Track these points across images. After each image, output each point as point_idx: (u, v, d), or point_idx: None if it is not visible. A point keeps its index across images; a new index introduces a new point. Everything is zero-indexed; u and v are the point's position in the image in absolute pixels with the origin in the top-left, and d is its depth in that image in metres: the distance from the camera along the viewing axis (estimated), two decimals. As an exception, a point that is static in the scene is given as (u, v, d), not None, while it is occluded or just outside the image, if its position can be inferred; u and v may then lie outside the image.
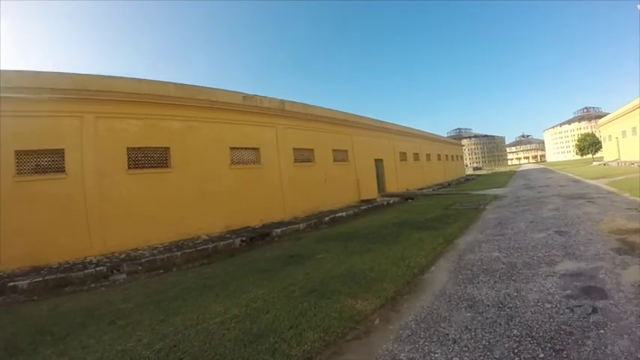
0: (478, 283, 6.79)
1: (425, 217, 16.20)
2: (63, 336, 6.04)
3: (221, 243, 14.31)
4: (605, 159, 65.01)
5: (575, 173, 39.93)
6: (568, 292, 5.88)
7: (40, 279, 10.62)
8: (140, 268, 11.85)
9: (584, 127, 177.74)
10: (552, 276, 6.68)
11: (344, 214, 20.94)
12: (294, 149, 22.23)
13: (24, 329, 6.65)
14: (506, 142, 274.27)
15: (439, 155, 52.05)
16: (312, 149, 23.71)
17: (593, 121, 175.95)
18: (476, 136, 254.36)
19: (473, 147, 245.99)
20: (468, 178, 60.14)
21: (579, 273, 6.69)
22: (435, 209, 19.00)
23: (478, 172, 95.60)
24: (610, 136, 61.67)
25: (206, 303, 6.97)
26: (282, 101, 21.76)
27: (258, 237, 15.54)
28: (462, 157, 76.11)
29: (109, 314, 6.96)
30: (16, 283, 10.32)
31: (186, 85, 17.24)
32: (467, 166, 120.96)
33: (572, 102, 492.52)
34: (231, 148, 18.60)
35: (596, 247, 8.32)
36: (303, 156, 23.02)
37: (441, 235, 11.45)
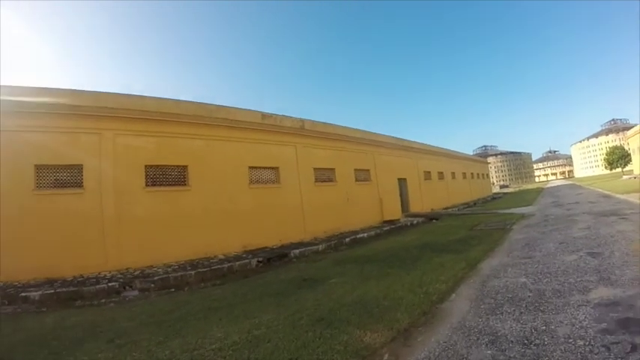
0: (502, 314, 6.13)
1: (448, 239, 15.50)
2: (59, 351, 5.93)
3: (237, 263, 14.16)
4: (635, 172, 63.15)
5: (604, 188, 38.37)
6: (603, 325, 5.18)
7: (52, 291, 10.65)
8: (152, 285, 11.76)
9: (612, 140, 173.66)
10: (585, 306, 5.97)
11: (365, 235, 20.39)
12: (315, 169, 22.01)
13: (24, 341, 6.63)
14: (533, 159, 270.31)
15: (464, 173, 51.04)
16: (333, 168, 23.39)
17: (621, 133, 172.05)
18: (502, 154, 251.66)
19: (499, 164, 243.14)
20: (495, 197, 58.73)
21: (615, 302, 5.96)
22: (460, 230, 18.21)
23: (505, 190, 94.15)
24: (639, 147, 59.25)
25: (208, 327, 6.71)
26: (302, 120, 21.60)
27: (275, 258, 15.32)
28: (488, 175, 74.79)
29: (110, 332, 6.89)
30: (28, 293, 10.37)
31: (205, 103, 17.53)
32: (493, 184, 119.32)
33: (599, 115, 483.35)
34: (250, 168, 18.61)
35: (632, 270, 7.54)
36: (324, 175, 22.67)
37: (464, 259, 10.76)
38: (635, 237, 11.01)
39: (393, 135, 32.31)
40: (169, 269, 13.39)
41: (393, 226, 23.70)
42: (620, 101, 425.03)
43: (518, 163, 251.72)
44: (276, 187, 19.60)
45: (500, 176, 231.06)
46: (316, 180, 21.89)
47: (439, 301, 7.20)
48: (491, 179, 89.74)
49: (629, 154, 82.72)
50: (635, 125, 73.62)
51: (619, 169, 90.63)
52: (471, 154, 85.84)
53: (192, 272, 12.67)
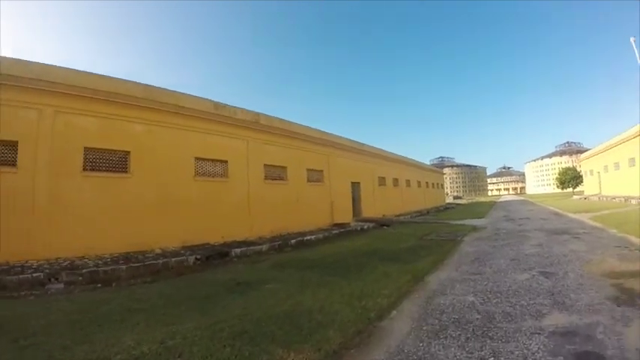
0: (446, 338, 5.44)
1: (397, 247, 14.96)
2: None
3: (173, 259, 13.13)
4: (586, 193, 65.45)
5: (556, 206, 39.45)
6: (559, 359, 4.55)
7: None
8: (80, 279, 10.77)
9: (565, 162, 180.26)
10: (539, 334, 5.37)
11: (312, 237, 19.70)
12: (266, 165, 21.16)
13: None
14: (488, 173, 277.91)
15: (419, 182, 51.31)
16: (284, 167, 22.64)
17: (574, 155, 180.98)
18: (458, 166, 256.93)
19: (454, 176, 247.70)
20: (448, 207, 59.30)
21: (572, 331, 5.40)
22: (410, 239, 17.74)
23: (458, 201, 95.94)
24: (592, 170, 62.16)
25: (121, 332, 5.99)
26: (257, 114, 20.76)
27: (215, 256, 14.41)
28: (442, 185, 75.84)
29: (16, 331, 6.15)
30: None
31: (156, 87, 16.25)
32: (447, 194, 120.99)
33: (554, 137, 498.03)
34: (196, 159, 17.52)
35: (589, 294, 7.09)
36: (275, 173, 21.88)
37: (411, 271, 10.11)
38: (588, 258, 10.75)
39: (350, 138, 31.83)
40: (100, 262, 12.20)
41: (342, 230, 23.04)
42: (575, 125, 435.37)
43: (473, 176, 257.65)
44: (224, 181, 18.57)
45: (455, 187, 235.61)
46: (266, 177, 21.14)
47: (378, 318, 6.47)
48: (445, 190, 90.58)
49: (580, 176, 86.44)
50: (588, 149, 76.85)
51: (570, 189, 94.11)
52: (428, 163, 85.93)
53: (124, 267, 11.64)
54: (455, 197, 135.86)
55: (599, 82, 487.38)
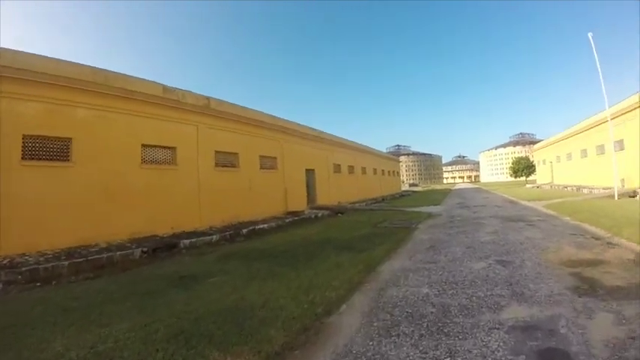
0: (398, 336, 5.00)
1: (350, 235, 14.60)
2: None
3: (118, 253, 12.32)
4: (538, 181, 67.63)
5: (510, 194, 40.16)
6: (521, 359, 4.20)
7: None
8: (20, 277, 9.97)
9: (519, 152, 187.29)
10: (498, 329, 5.02)
11: (265, 226, 19.21)
12: (217, 152, 20.24)
13: None
14: (443, 162, 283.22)
15: (375, 169, 51.12)
16: (236, 153, 21.73)
17: (527, 145, 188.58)
18: (414, 154, 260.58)
19: (410, 164, 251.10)
20: (404, 194, 60.02)
21: (533, 325, 5.08)
22: (364, 226, 17.47)
23: (414, 189, 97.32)
24: (544, 160, 64.19)
25: (53, 335, 5.50)
26: (208, 98, 19.79)
27: (163, 248, 13.65)
28: (398, 172, 76.10)
29: None
30: None
31: (102, 69, 14.90)
32: (403, 182, 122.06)
33: (508, 128, 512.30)
34: (143, 145, 16.39)
35: (548, 284, 6.86)
36: (226, 160, 21.00)
37: (363, 260, 9.74)
38: (545, 245, 10.68)
39: (304, 124, 31.03)
40: (42, 259, 11.29)
41: (296, 218, 22.54)
42: (529, 117, 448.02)
43: (429, 164, 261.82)
44: (172, 168, 17.57)
45: (411, 175, 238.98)
46: (217, 164, 20.27)
47: (326, 313, 6.02)
48: (402, 177, 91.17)
49: (533, 165, 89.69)
50: (541, 140, 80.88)
51: (523, 178, 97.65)
52: (385, 151, 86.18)
53: (66, 263, 10.84)
54: (411, 185, 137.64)
55: (555, 76, 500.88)
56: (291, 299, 6.58)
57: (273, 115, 26.19)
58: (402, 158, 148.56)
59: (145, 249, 12.99)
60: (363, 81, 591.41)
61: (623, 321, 5.03)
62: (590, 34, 25.94)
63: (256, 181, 22.93)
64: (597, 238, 11.36)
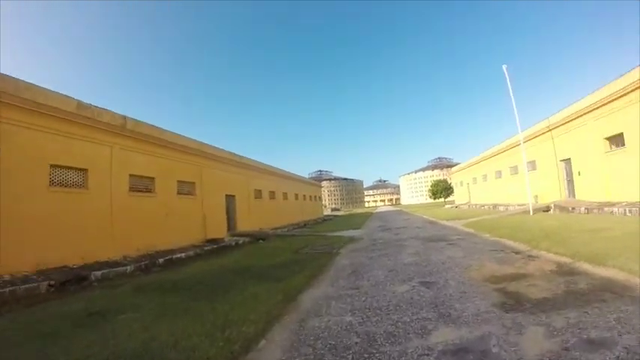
0: (320, 373, 4.45)
1: (270, 263, 13.98)
2: None
3: (22, 287, 11.21)
4: (457, 202, 70.59)
5: (429, 215, 41.22)
6: None
7: None
8: None
9: (437, 175, 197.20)
10: (428, 355, 4.67)
11: (183, 255, 18.57)
12: (132, 175, 19.07)
13: None
14: (365, 186, 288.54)
15: (297, 195, 51.01)
16: (153, 178, 20.66)
17: (444, 169, 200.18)
18: (336, 179, 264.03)
19: (332, 189, 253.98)
20: (326, 219, 60.52)
21: (464, 347, 4.77)
22: (284, 253, 16.83)
23: (336, 213, 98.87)
24: (462, 182, 67.48)
25: None
26: (124, 117, 18.63)
27: (73, 280, 12.59)
28: (320, 197, 76.51)
29: None
30: None
31: (6, 76, 13.44)
32: (325, 206, 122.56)
33: (427, 153, 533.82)
34: (52, 166, 14.84)
35: (474, 302, 6.69)
36: (142, 185, 19.87)
37: (283, 289, 9.10)
38: (467, 263, 10.67)
39: (224, 149, 30.31)
40: None
41: (215, 246, 21.80)
42: (447, 141, 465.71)
43: (350, 188, 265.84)
44: (84, 192, 16.02)
45: (333, 200, 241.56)
46: (132, 189, 19.17)
47: (243, 350, 5.40)
48: (324, 202, 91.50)
49: (451, 187, 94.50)
50: (457, 164, 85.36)
51: (442, 199, 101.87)
52: (307, 177, 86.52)
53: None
54: (333, 209, 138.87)
55: (472, 105, 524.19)
56: (205, 337, 5.89)
57: (193, 138, 25.34)
58: (324, 183, 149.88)
59: (52, 282, 11.93)
60: (287, 106, 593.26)
61: (555, 332, 4.92)
62: (504, 67, 27.69)
63: (174, 207, 21.92)
64: (517, 252, 11.60)
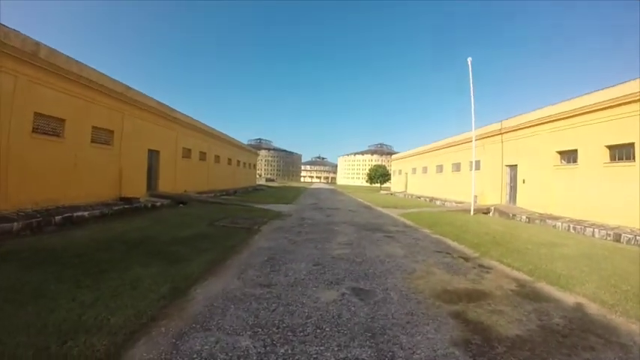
0: None
1: (178, 235, 11.86)
2: None
3: None
4: (393, 189, 69.87)
5: (365, 199, 39.87)
6: None
7: None
8: None
9: (376, 160, 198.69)
10: None
11: (86, 214, 15.93)
12: (37, 114, 15.75)
13: None
14: (303, 160, 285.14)
15: (230, 159, 48.12)
16: (63, 119, 17.24)
17: (384, 155, 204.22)
18: (275, 149, 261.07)
19: (270, 159, 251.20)
20: (257, 189, 58.16)
21: None
22: (199, 223, 14.77)
23: (270, 184, 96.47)
24: (400, 170, 66.85)
25: None
26: (37, 43, 15.51)
27: None
28: (255, 165, 73.56)
29: None
30: None
31: None
32: (260, 176, 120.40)
33: (368, 138, 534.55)
34: None
35: (427, 336, 4.82)
36: (49, 126, 16.58)
37: (174, 276, 7.09)
38: (410, 266, 8.82)
39: (153, 97, 27.00)
40: None
41: (127, 206, 19.24)
42: (390, 129, 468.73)
43: (288, 161, 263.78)
44: None
45: (270, 170, 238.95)
46: (35, 130, 15.67)
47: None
48: (259, 171, 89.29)
49: (389, 174, 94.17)
50: (397, 152, 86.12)
51: (377, 185, 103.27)
52: (246, 143, 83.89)
53: None
54: (267, 179, 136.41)
55: (422, 95, 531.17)
56: (36, 350, 3.83)
57: (117, 80, 22.21)
58: (262, 152, 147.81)
59: None
60: (232, 70, 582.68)
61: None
62: (469, 59, 26.18)
63: (85, 156, 18.88)
64: (466, 259, 9.99)
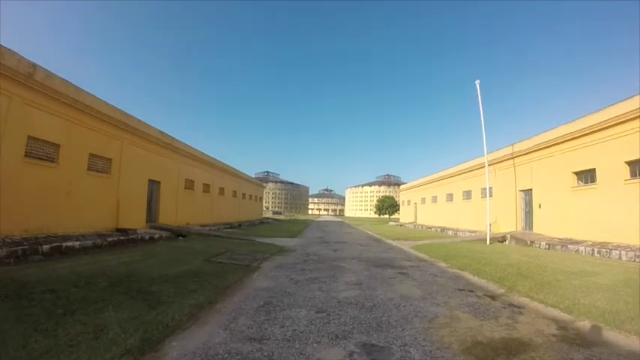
0: None
1: (167, 272, 10.70)
2: None
3: None
4: (402, 220, 69.10)
5: (374, 231, 38.66)
6: None
7: None
8: None
9: (384, 191, 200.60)
10: None
11: (77, 244, 15.42)
12: (30, 138, 15.55)
13: None
14: (310, 193, 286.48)
15: (235, 192, 47.37)
16: (57, 145, 16.83)
17: (392, 186, 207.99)
18: (282, 182, 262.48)
19: (277, 191, 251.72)
20: (264, 222, 57.73)
21: None
22: (194, 259, 13.66)
23: (277, 217, 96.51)
24: (409, 200, 65.68)
25: None
26: (34, 65, 15.00)
27: None
28: (261, 198, 72.79)
29: None
30: None
31: None
32: (267, 208, 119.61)
33: (375, 169, 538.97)
34: None
35: None
36: (43, 151, 16.05)
37: (147, 327, 5.82)
38: (430, 311, 7.43)
39: (154, 126, 26.41)
40: None
41: (123, 238, 18.48)
42: (396, 161, 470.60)
43: (295, 194, 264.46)
44: None
45: (277, 203, 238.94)
46: (29, 154, 15.46)
47: None
48: (266, 204, 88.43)
49: (397, 204, 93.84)
50: (405, 183, 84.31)
51: (386, 216, 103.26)
52: (254, 176, 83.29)
53: None
54: (274, 212, 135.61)
55: (428, 129, 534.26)
56: None
57: (116, 106, 21.24)
58: (269, 185, 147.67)
59: None
60: (240, 104, 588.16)
61: None
62: (477, 82, 25.27)
63: (80, 184, 18.14)
64: (492, 297, 8.67)
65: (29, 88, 14.98)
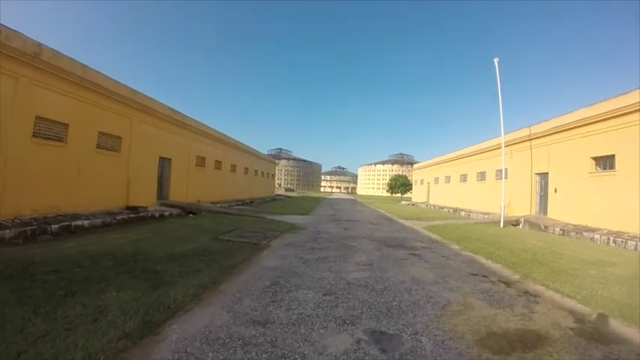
0: None
1: (173, 251, 10.54)
2: None
3: None
4: (414, 200, 68.13)
5: (386, 210, 38.31)
6: None
7: None
8: None
9: (397, 170, 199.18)
10: None
11: (86, 223, 15.29)
12: (38, 118, 15.26)
13: None
14: (323, 171, 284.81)
15: (247, 169, 47.04)
16: (66, 124, 16.46)
17: (405, 165, 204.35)
18: (295, 159, 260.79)
19: (290, 169, 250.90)
20: (275, 199, 57.25)
21: None
22: (203, 236, 13.53)
23: (289, 194, 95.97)
24: (422, 180, 64.91)
25: None
26: (40, 45, 14.66)
27: None
28: (274, 175, 72.45)
29: None
30: None
31: None
32: (279, 185, 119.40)
33: (389, 148, 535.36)
34: None
35: None
36: (51, 131, 15.72)
37: (148, 308, 5.66)
38: (443, 296, 7.18)
39: (167, 104, 26.03)
40: None
41: (133, 216, 18.27)
42: (410, 140, 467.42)
43: (308, 171, 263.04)
44: None
45: (289, 180, 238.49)
46: (37, 134, 15.19)
47: None
48: (278, 181, 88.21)
49: (410, 184, 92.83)
50: (418, 162, 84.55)
51: (398, 195, 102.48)
52: (266, 153, 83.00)
53: None
54: (287, 189, 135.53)
55: (445, 109, 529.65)
56: None
57: (124, 83, 20.81)
58: (282, 162, 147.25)
59: None
60: (254, 79, 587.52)
61: None
62: (496, 60, 24.59)
63: (89, 163, 17.86)
64: (507, 284, 8.34)
65: (36, 69, 14.67)
